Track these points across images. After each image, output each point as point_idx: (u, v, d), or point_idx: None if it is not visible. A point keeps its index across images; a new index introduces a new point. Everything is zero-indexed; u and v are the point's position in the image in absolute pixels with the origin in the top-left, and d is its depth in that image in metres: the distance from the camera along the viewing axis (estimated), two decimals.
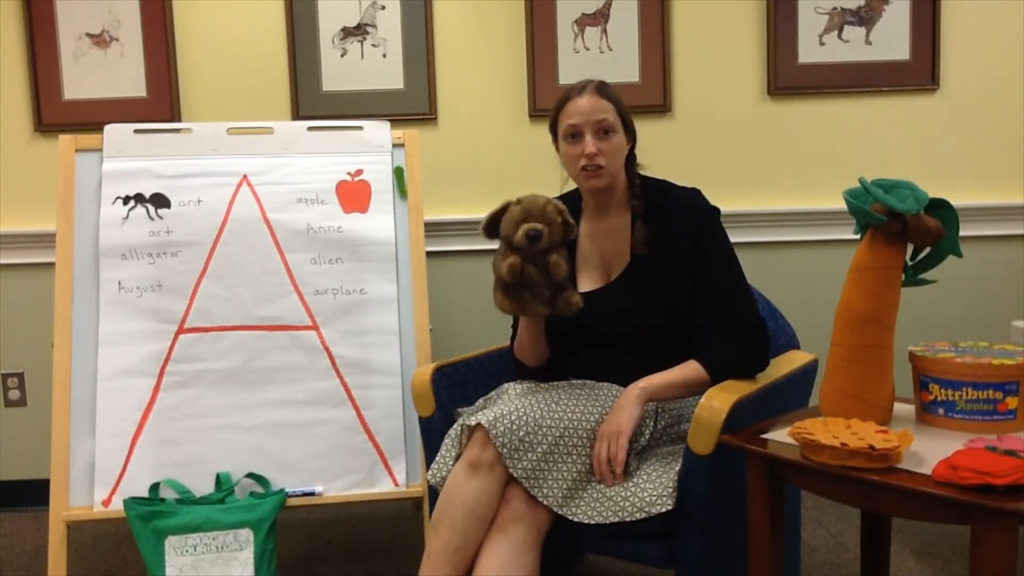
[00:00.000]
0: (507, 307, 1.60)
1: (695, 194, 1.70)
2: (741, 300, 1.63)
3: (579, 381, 1.69)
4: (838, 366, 1.46)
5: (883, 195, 1.39)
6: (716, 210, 1.68)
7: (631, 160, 1.73)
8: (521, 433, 1.46)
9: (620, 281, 1.70)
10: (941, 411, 1.43)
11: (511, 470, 1.45)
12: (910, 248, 1.46)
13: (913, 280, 1.48)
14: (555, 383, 1.68)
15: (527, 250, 1.54)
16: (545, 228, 1.53)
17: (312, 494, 2.02)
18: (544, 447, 1.47)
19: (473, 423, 1.49)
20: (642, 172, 1.75)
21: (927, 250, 1.48)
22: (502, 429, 1.45)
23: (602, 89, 1.66)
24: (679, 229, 1.65)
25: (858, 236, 1.47)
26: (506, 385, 1.74)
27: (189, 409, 2.04)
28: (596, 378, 1.69)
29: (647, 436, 1.57)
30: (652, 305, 1.66)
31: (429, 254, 2.42)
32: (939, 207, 1.43)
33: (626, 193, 1.72)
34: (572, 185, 1.79)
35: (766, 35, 2.61)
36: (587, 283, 1.74)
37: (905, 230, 1.40)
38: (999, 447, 1.23)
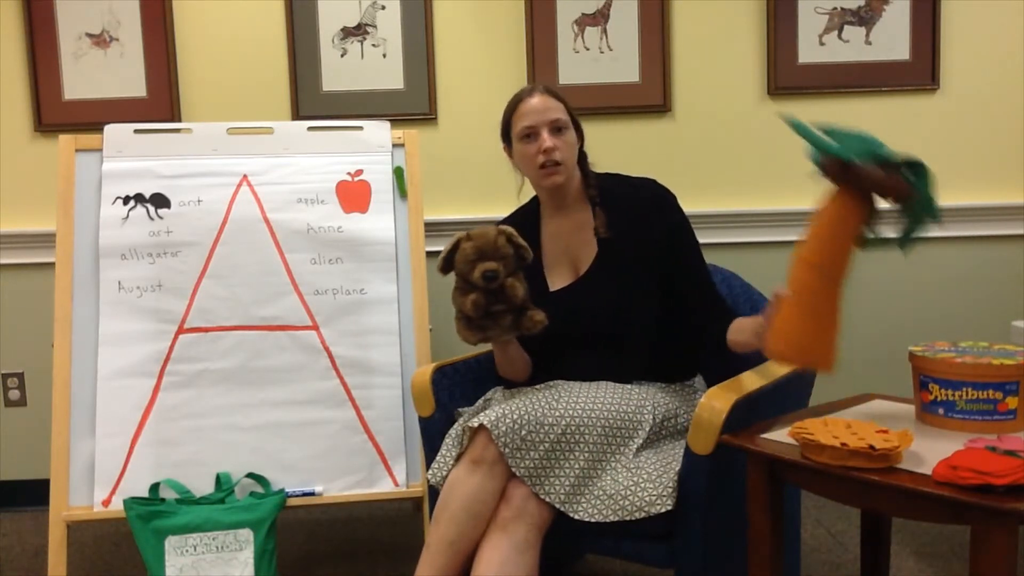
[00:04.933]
0: (472, 339, 1.62)
1: (650, 180, 1.77)
2: (711, 280, 1.73)
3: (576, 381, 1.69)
4: (779, 308, 1.41)
5: (812, 132, 1.35)
6: (673, 195, 1.74)
7: (583, 157, 1.79)
8: (523, 432, 1.46)
9: (590, 273, 1.73)
10: (941, 411, 1.43)
11: (514, 469, 1.45)
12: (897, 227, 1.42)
13: (897, 242, 1.42)
14: (554, 382, 1.68)
15: (485, 287, 1.57)
16: (500, 265, 1.56)
17: (312, 494, 2.02)
18: (546, 445, 1.47)
19: (475, 424, 1.49)
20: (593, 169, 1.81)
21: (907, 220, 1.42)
22: (504, 428, 1.45)
23: (550, 90, 1.74)
24: (639, 211, 1.71)
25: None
26: None
27: (189, 409, 2.04)
28: (580, 372, 1.69)
29: (647, 431, 1.57)
30: (624, 290, 1.69)
31: (429, 254, 2.41)
32: (913, 167, 1.35)
33: (582, 187, 1.77)
34: (528, 194, 1.83)
35: (766, 35, 2.60)
36: (558, 281, 1.76)
37: (851, 177, 1.34)
38: (999, 447, 1.23)
